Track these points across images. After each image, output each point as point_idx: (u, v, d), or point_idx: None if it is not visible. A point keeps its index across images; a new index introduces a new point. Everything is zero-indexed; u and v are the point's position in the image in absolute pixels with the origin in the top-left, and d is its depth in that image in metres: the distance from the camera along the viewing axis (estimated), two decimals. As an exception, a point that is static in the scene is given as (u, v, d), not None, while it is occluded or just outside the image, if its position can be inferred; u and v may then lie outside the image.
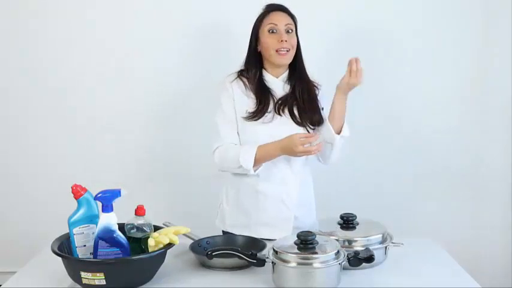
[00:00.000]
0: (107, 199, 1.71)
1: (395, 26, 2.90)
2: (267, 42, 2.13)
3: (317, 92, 2.22)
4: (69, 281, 1.70)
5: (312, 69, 2.25)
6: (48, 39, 2.90)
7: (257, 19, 2.19)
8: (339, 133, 2.14)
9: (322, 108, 2.21)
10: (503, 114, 2.97)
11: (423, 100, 2.96)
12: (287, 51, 2.12)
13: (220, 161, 2.15)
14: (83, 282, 1.63)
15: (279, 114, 2.15)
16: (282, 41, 2.10)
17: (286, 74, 2.20)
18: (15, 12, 2.88)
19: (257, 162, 2.09)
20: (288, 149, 2.04)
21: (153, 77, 2.93)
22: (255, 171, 2.10)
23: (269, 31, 2.14)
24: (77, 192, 1.72)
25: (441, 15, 2.91)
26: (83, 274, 1.62)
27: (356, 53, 2.87)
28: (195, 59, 2.92)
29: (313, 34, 2.81)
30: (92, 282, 1.62)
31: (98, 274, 1.60)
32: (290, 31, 2.14)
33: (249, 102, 2.15)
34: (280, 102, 2.16)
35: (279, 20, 2.14)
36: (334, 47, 2.90)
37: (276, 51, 2.12)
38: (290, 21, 2.16)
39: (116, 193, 1.72)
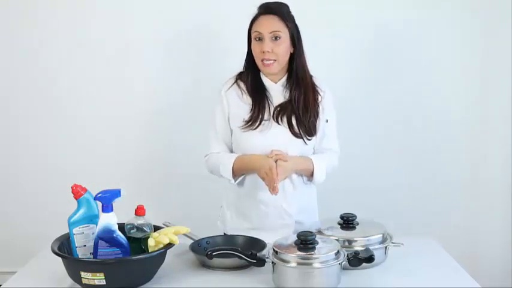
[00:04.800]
0: (107, 199, 1.70)
1: (397, 28, 2.90)
2: (254, 50, 2.06)
3: (319, 99, 2.12)
4: (69, 281, 1.69)
5: (317, 72, 2.19)
6: (49, 41, 2.90)
7: (250, 21, 2.09)
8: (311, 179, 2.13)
9: (327, 120, 2.13)
10: (504, 115, 2.97)
11: (425, 102, 2.96)
12: (274, 60, 2.03)
13: (208, 169, 2.18)
14: (83, 282, 1.63)
15: (277, 122, 2.08)
16: (263, 52, 2.00)
17: (285, 78, 2.11)
18: (16, 13, 2.88)
19: (236, 173, 2.08)
20: (259, 171, 1.99)
21: (154, 77, 2.94)
22: (235, 181, 2.09)
23: (255, 39, 2.04)
24: (77, 192, 1.72)
25: (441, 16, 2.91)
26: (83, 274, 1.62)
27: (358, 54, 2.91)
28: (195, 61, 2.91)
29: (319, 36, 2.81)
30: (92, 282, 1.62)
31: (98, 274, 1.60)
32: (277, 38, 2.01)
33: (246, 109, 2.09)
34: (278, 109, 2.09)
35: (264, 26, 2.02)
36: (339, 48, 2.90)
37: (262, 61, 2.03)
38: (278, 26, 2.02)
39: (116, 193, 1.72)
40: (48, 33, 2.89)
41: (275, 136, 2.06)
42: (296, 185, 2.14)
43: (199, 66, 2.91)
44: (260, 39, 2.03)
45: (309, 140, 2.10)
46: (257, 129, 2.07)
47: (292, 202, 2.14)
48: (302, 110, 2.08)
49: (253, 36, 2.06)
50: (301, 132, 2.08)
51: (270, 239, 1.95)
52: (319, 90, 2.13)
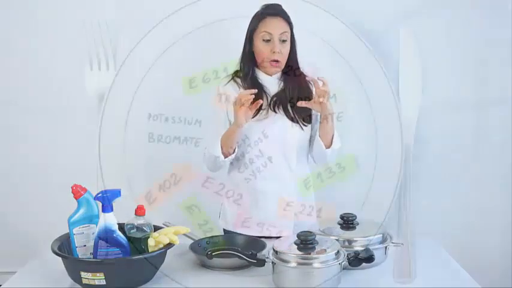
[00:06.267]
0: (107, 199, 1.71)
1: (395, 27, 2.90)
2: (261, 50, 2.13)
3: (312, 89, 2.19)
4: (69, 281, 1.70)
5: (313, 68, 2.24)
6: (49, 42, 2.89)
7: (253, 20, 2.16)
8: (329, 146, 2.16)
9: None
10: (504, 115, 2.96)
11: (424, 102, 2.95)
12: (278, 61, 2.13)
13: (205, 163, 2.22)
14: (83, 282, 1.63)
15: (274, 111, 2.15)
16: (274, 52, 2.10)
17: (280, 72, 2.20)
18: (16, 13, 2.88)
19: (224, 145, 2.10)
20: (235, 118, 2.05)
21: (154, 78, 2.93)
22: (225, 157, 2.12)
23: (263, 39, 2.12)
24: (77, 192, 1.72)
25: (441, 16, 2.90)
26: (83, 274, 1.62)
27: (357, 54, 2.91)
28: (195, 61, 2.91)
29: (316, 33, 2.81)
30: (92, 282, 1.62)
31: (98, 274, 1.61)
32: (285, 40, 2.12)
33: None
34: (275, 99, 2.17)
35: (274, 28, 2.11)
36: (338, 48, 2.89)
37: (270, 61, 2.12)
38: (286, 28, 2.13)
39: (116, 193, 1.72)
40: (51, 34, 2.89)
41: (271, 123, 2.13)
42: (294, 172, 2.18)
43: (199, 66, 2.90)
44: (269, 40, 2.12)
45: (305, 126, 2.17)
46: (254, 118, 2.12)
47: (290, 192, 2.18)
48: (297, 100, 2.14)
49: (261, 36, 2.13)
50: (298, 118, 2.15)
51: (269, 233, 2.02)
52: (310, 81, 2.20)
